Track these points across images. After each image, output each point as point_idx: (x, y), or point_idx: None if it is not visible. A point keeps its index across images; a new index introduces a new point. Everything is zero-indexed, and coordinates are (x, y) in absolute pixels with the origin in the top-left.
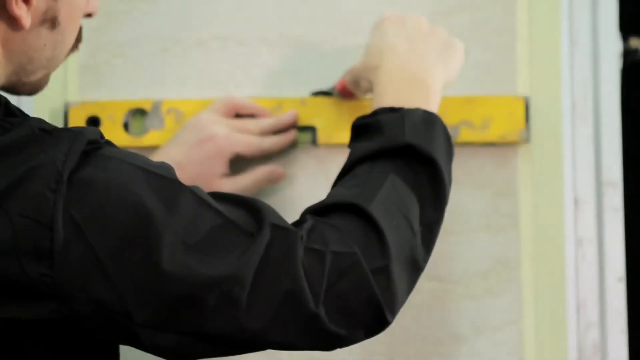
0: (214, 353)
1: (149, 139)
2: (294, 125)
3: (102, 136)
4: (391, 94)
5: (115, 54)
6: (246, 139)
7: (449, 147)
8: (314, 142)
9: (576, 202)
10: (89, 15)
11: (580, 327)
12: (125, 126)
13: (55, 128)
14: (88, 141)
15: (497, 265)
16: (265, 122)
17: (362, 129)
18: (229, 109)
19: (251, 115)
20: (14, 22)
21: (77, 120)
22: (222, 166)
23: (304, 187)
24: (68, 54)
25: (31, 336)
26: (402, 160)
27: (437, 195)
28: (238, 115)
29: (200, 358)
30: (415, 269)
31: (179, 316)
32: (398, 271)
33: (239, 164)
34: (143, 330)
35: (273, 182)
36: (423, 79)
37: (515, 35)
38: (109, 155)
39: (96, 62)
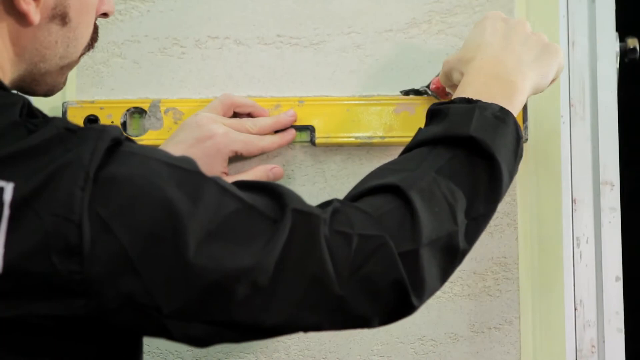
0: (241, 340)
1: (147, 139)
2: (292, 125)
3: (121, 133)
4: (475, 86)
5: (113, 54)
6: (245, 137)
7: (517, 147)
8: (311, 141)
9: (574, 201)
10: (104, 14)
11: (578, 326)
12: (124, 126)
13: (79, 127)
14: (111, 138)
15: (495, 264)
16: (264, 122)
17: (434, 114)
18: (227, 107)
19: (249, 114)
20: (22, 18)
21: (76, 120)
22: (221, 164)
23: (301, 185)
24: (83, 53)
25: (57, 332)
26: (462, 151)
27: (491, 192)
28: (236, 114)
29: (227, 343)
30: (452, 258)
31: (207, 306)
32: (429, 257)
33: (237, 162)
34: (172, 322)
35: (272, 180)
36: (512, 79)
37: None
38: (132, 152)
39: (94, 62)
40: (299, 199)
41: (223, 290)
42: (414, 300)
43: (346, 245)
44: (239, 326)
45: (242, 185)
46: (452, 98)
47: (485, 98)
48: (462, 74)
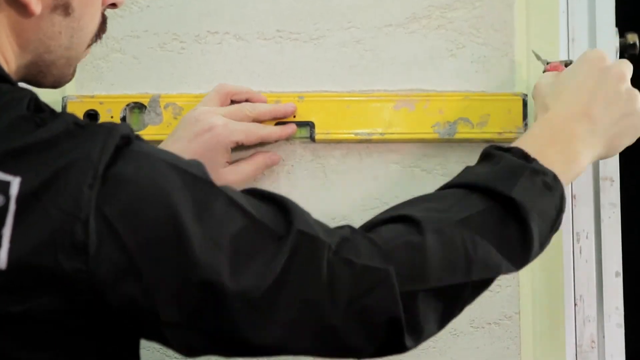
0: (229, 355)
1: (147, 134)
2: (291, 118)
3: (132, 130)
4: (539, 142)
5: (113, 49)
6: (245, 127)
7: (556, 218)
8: (311, 137)
9: (574, 197)
10: (113, 5)
11: (578, 321)
12: (123, 121)
13: (88, 123)
14: (121, 136)
15: None
16: (263, 107)
17: (487, 156)
18: (223, 97)
19: (246, 101)
20: (23, 9)
21: None
22: (223, 155)
23: (300, 180)
24: (90, 44)
25: (60, 326)
26: (498, 208)
27: (515, 257)
28: (234, 103)
29: (214, 355)
30: (453, 309)
31: (202, 318)
32: (430, 302)
33: (237, 152)
34: (167, 329)
35: (270, 166)
36: (579, 149)
37: (513, 31)
38: (141, 152)
39: (94, 57)
40: (306, 219)
41: (220, 305)
42: (408, 342)
43: (348, 274)
44: (229, 341)
45: (251, 193)
46: (516, 144)
47: (543, 158)
48: (542, 105)
